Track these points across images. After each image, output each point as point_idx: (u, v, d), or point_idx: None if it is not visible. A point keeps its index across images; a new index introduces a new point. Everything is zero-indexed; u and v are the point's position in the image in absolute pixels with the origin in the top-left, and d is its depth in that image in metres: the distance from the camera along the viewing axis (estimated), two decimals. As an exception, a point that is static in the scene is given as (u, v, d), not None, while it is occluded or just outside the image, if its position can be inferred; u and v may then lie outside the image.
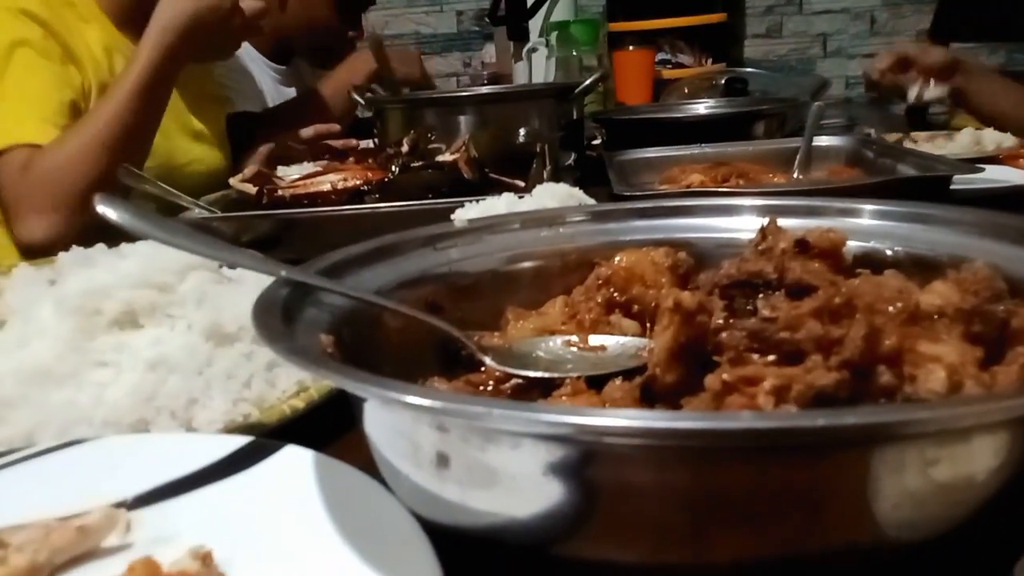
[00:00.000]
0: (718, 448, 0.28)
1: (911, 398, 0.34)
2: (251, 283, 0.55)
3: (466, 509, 0.33)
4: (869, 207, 0.52)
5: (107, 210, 0.40)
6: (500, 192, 1.05)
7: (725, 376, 0.32)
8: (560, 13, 1.93)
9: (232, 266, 0.45)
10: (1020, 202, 0.86)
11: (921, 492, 0.28)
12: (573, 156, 1.15)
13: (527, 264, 0.56)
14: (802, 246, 0.49)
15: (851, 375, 0.33)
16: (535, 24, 1.95)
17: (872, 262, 0.50)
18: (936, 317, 0.38)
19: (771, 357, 0.35)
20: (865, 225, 0.52)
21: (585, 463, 0.29)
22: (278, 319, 0.36)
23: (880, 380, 0.34)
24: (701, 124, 1.37)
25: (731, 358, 0.36)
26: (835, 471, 0.27)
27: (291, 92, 1.90)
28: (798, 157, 1.13)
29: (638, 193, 0.90)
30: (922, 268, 0.48)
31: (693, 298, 0.39)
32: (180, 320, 0.51)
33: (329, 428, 0.52)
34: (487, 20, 2.17)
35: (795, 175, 1.12)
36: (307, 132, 1.48)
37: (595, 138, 1.53)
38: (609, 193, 0.96)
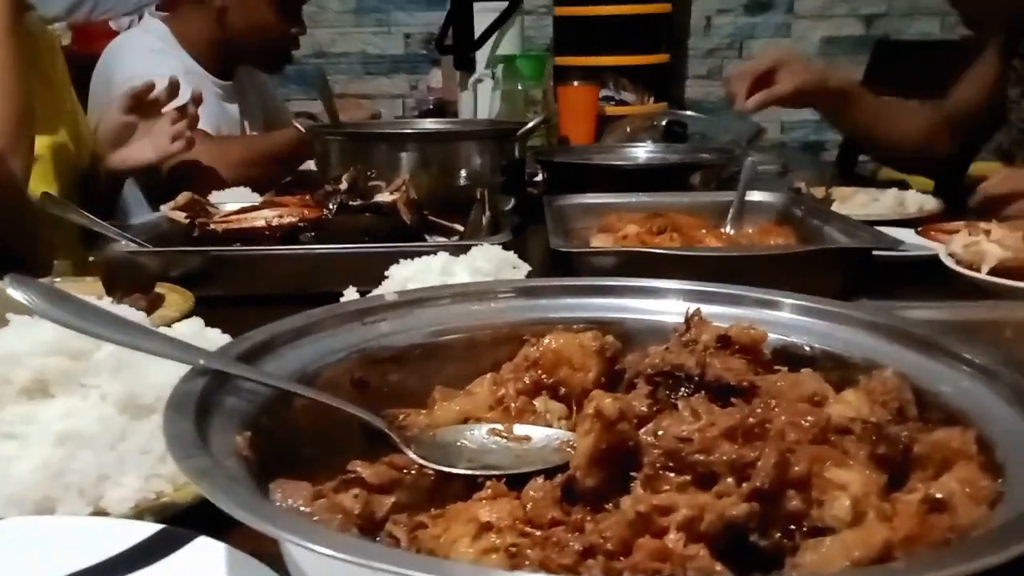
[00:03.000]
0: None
1: (817, 524, 0.35)
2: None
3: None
4: (789, 301, 0.53)
5: (16, 293, 0.39)
6: (438, 235, 1.06)
7: (639, 508, 0.33)
8: (507, 46, 1.94)
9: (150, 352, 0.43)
10: (935, 270, 0.90)
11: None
12: (512, 201, 1.15)
13: (456, 338, 0.56)
14: (724, 341, 0.50)
15: (762, 503, 0.34)
16: (482, 54, 1.96)
17: (790, 357, 0.51)
18: (846, 432, 0.40)
19: (686, 477, 0.36)
20: (785, 319, 0.53)
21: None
22: (191, 423, 0.35)
23: (789, 505, 0.35)
24: (641, 172, 1.40)
25: (648, 475, 0.37)
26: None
27: (234, 108, 1.87)
28: (730, 212, 1.16)
29: (572, 250, 0.91)
30: (837, 366, 0.50)
31: (614, 405, 0.40)
32: (94, 390, 0.50)
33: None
34: (435, 47, 2.17)
35: (728, 230, 1.15)
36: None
37: (536, 174, 1.54)
38: (546, 239, 0.97)
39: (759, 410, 0.38)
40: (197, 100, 1.48)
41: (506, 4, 1.86)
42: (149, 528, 0.43)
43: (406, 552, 0.35)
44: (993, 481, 0.35)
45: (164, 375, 0.52)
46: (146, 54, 1.69)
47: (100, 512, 0.47)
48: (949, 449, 0.37)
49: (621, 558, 0.32)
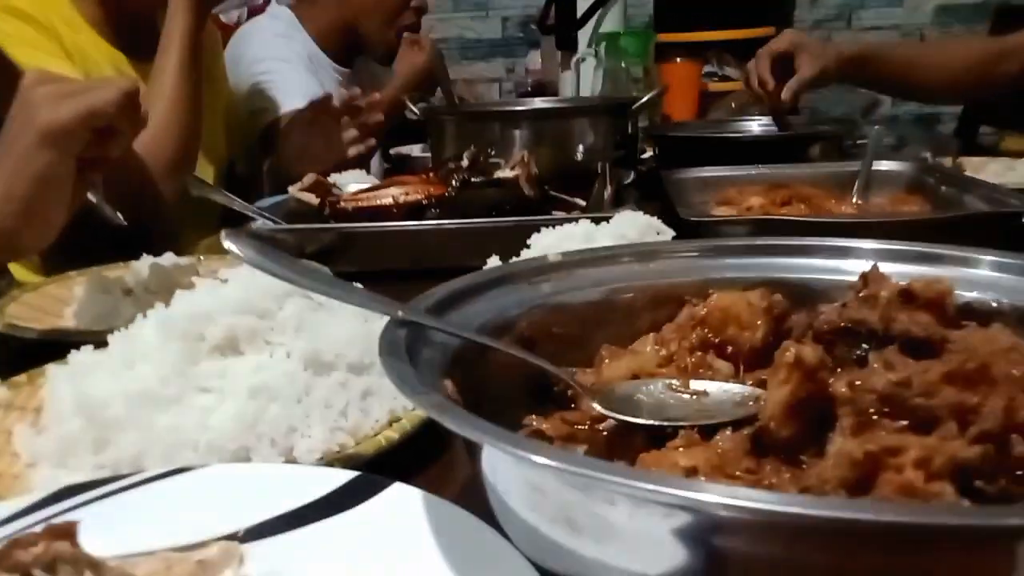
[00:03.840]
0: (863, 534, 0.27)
1: (1049, 471, 0.33)
2: (345, 311, 0.56)
3: (587, 562, 0.33)
4: (986, 258, 0.51)
5: (232, 246, 0.41)
6: (562, 209, 1.07)
7: (869, 446, 0.32)
8: (609, 24, 1.93)
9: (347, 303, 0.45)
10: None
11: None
12: (632, 175, 1.14)
13: (623, 297, 0.56)
14: (907, 296, 0.48)
15: (994, 446, 0.33)
16: (583, 34, 1.95)
17: (977, 313, 0.49)
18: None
19: (902, 423, 0.35)
20: (969, 274, 0.51)
21: (715, 532, 0.29)
22: (409, 367, 0.36)
23: (1016, 450, 0.34)
24: (758, 144, 1.36)
25: (857, 421, 0.36)
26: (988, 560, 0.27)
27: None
28: (857, 183, 1.12)
29: (704, 219, 0.90)
30: (1026, 322, 0.48)
31: (815, 353, 0.39)
32: (279, 347, 0.52)
33: (419, 456, 0.53)
34: (535, 28, 2.17)
35: (856, 200, 1.11)
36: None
37: (644, 151, 1.53)
38: (664, 212, 0.96)
39: (972, 353, 0.36)
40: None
41: (609, -19, 1.85)
42: (344, 475, 0.45)
43: (643, 471, 0.35)
44: None
45: (341, 334, 0.54)
46: (272, 39, 1.74)
47: (291, 461, 0.49)
48: None
49: (852, 498, 0.31)
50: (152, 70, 1.18)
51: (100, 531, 0.41)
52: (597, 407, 0.44)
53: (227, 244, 0.40)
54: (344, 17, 1.79)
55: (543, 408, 0.49)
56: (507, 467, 0.35)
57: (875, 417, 0.36)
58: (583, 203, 1.07)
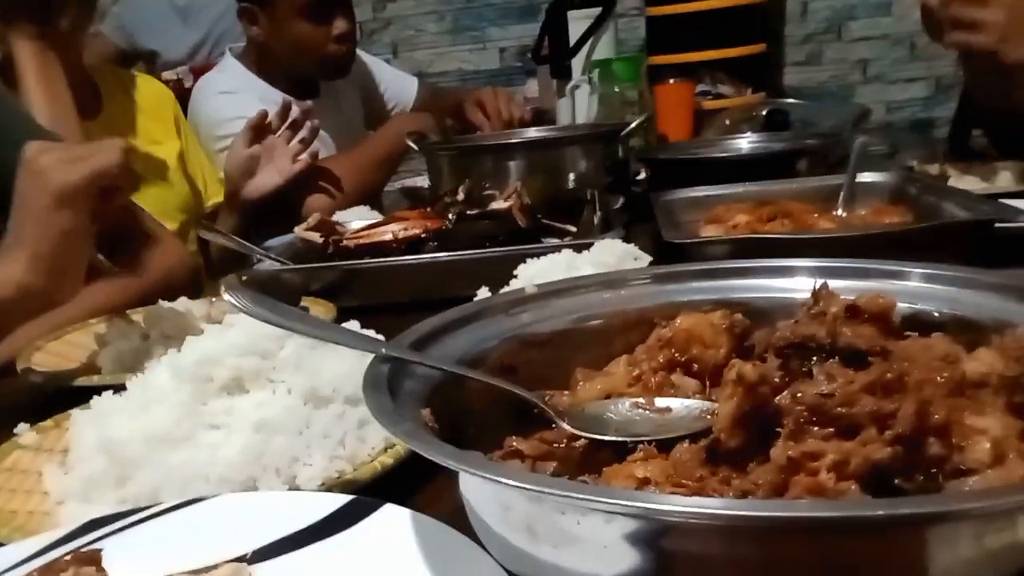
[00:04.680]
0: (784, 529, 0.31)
1: (959, 467, 0.37)
2: (341, 349, 0.60)
3: (549, 568, 0.38)
4: (917, 270, 0.55)
5: (230, 298, 0.46)
6: (554, 237, 1.11)
7: (790, 453, 0.36)
8: (602, 50, 1.98)
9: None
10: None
11: (970, 559, 0.32)
12: (621, 200, 1.19)
13: (592, 324, 0.61)
14: (852, 311, 0.52)
15: (905, 448, 0.36)
16: (577, 61, 2.00)
17: (920, 324, 0.53)
18: (981, 386, 0.42)
19: (829, 429, 0.39)
20: (912, 288, 0.55)
21: (660, 537, 0.33)
22: (388, 399, 0.41)
23: (930, 451, 0.38)
24: (745, 162, 1.40)
25: (792, 429, 0.40)
26: (893, 545, 0.31)
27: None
28: (841, 195, 1.15)
29: (686, 241, 0.94)
30: (967, 330, 0.51)
31: (755, 370, 0.44)
32: (280, 385, 0.57)
33: (411, 479, 0.57)
34: (530, 58, 2.23)
35: (839, 213, 1.14)
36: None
37: (639, 173, 1.57)
38: (655, 234, 1.00)
39: (895, 364, 0.40)
40: (305, 116, 1.55)
41: (599, 10, 1.90)
42: (341, 499, 0.50)
43: (596, 486, 0.39)
44: None
45: (338, 370, 0.59)
46: (217, 97, 1.77)
47: (294, 488, 0.54)
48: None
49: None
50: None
51: (123, 558, 0.46)
52: (566, 427, 0.48)
53: (226, 296, 0.45)
54: (285, 57, 1.81)
55: (527, 428, 0.53)
56: (476, 485, 0.39)
57: (807, 426, 0.40)
58: (574, 229, 1.12)
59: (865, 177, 1.18)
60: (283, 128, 1.57)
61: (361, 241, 1.11)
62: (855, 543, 0.31)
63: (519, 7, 2.88)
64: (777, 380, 0.48)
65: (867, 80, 2.75)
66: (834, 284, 0.56)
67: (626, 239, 0.97)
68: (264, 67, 1.85)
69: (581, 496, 0.31)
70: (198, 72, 2.74)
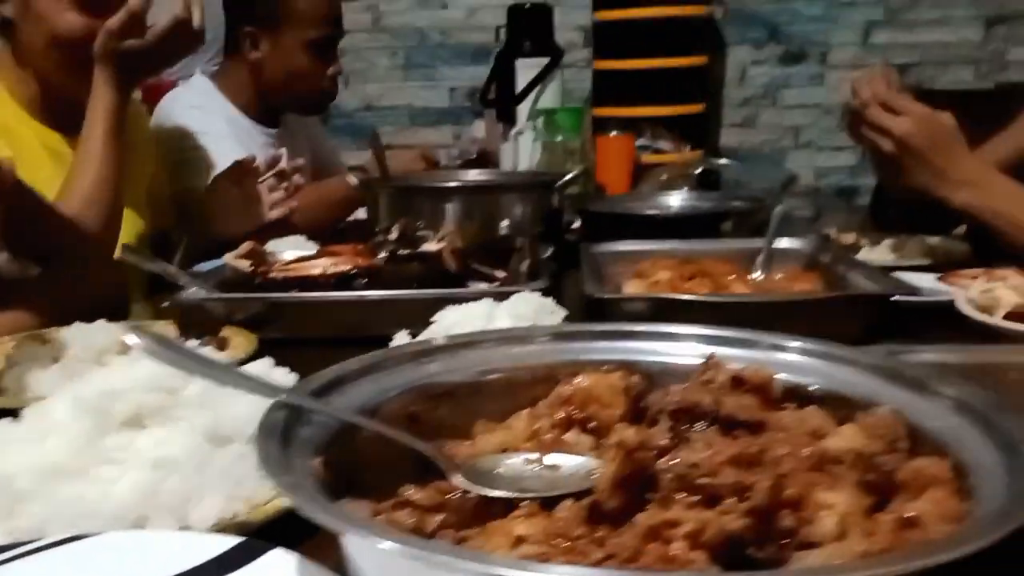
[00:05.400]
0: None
1: (808, 540, 0.40)
2: (248, 387, 0.61)
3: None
4: (798, 345, 0.59)
5: (132, 341, 0.46)
6: (481, 281, 1.14)
7: (651, 521, 0.39)
8: (548, 99, 2.03)
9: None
10: (954, 315, 0.94)
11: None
12: (551, 249, 1.22)
13: (498, 377, 0.63)
14: (737, 381, 0.56)
15: (757, 520, 0.39)
16: (523, 107, 2.05)
17: (798, 396, 0.56)
18: (839, 462, 0.45)
19: (696, 497, 0.42)
20: (795, 361, 0.58)
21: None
22: (277, 447, 0.42)
23: (782, 522, 0.40)
24: (674, 220, 1.46)
25: (662, 496, 0.43)
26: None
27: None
28: (759, 259, 1.21)
29: (604, 296, 0.97)
30: (840, 404, 0.55)
31: (636, 436, 0.46)
32: (183, 422, 0.57)
33: (307, 523, 0.58)
34: (479, 100, 2.28)
35: (756, 276, 1.20)
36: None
37: (573, 223, 1.61)
38: (582, 288, 1.03)
39: (761, 440, 0.43)
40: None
41: (547, 60, 1.96)
42: (230, 541, 0.50)
43: (459, 548, 0.41)
44: (964, 503, 0.40)
45: (242, 409, 0.59)
46: (187, 111, 1.77)
47: (186, 528, 0.54)
48: (927, 475, 0.42)
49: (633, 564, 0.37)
50: (78, 143, 1.21)
51: (-1, 594, 0.45)
52: (455, 481, 0.50)
53: (128, 340, 0.46)
54: (263, 84, 1.83)
55: (429, 477, 0.55)
56: (353, 539, 0.41)
57: (675, 493, 0.43)
58: (503, 274, 1.14)
59: (783, 243, 1.24)
60: (268, 175, 1.57)
61: (290, 274, 1.11)
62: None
63: (472, 50, 2.94)
64: (666, 442, 0.51)
65: (798, 146, 2.88)
66: (724, 352, 0.59)
67: (554, 288, 1.00)
68: (232, 89, 1.86)
69: (425, 555, 0.33)
70: (148, 89, 2.71)
